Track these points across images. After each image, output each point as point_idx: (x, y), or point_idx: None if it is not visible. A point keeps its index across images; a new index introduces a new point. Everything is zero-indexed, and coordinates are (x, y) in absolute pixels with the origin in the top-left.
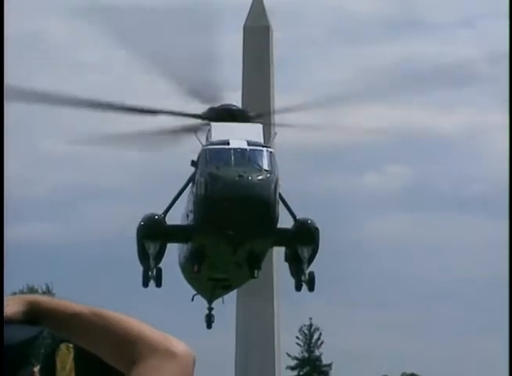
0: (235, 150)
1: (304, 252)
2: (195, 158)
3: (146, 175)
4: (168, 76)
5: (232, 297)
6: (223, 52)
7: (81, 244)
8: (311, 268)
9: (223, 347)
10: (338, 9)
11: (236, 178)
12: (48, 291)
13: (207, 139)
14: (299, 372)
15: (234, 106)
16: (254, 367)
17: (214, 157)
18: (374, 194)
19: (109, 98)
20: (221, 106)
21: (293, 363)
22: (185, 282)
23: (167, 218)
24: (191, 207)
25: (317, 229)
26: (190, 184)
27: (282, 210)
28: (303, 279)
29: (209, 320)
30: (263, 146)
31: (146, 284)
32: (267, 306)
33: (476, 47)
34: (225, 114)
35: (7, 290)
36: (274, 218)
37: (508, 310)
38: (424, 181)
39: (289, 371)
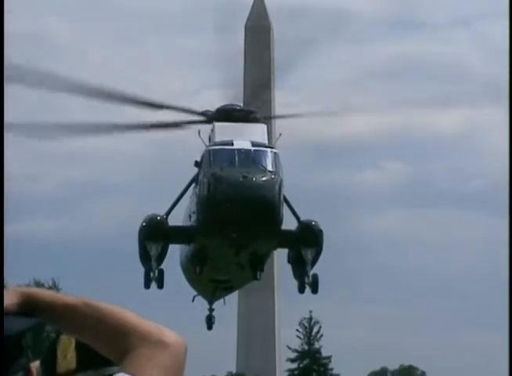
0: (239, 150)
1: (308, 254)
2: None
3: (151, 171)
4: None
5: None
6: (225, 50)
7: (86, 240)
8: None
9: (225, 340)
10: (339, 8)
11: (240, 179)
12: (54, 286)
13: (210, 139)
14: (299, 364)
15: (237, 105)
16: (256, 359)
17: (217, 158)
18: (372, 190)
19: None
20: (225, 105)
21: (293, 355)
22: (185, 282)
23: (169, 219)
24: (194, 208)
25: (321, 231)
26: (193, 185)
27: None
28: (306, 281)
29: (209, 321)
30: (267, 147)
31: (147, 286)
32: (268, 300)
33: (475, 46)
34: (229, 114)
35: (12, 285)
36: (278, 220)
37: (508, 304)
38: (425, 177)
39: (289, 363)
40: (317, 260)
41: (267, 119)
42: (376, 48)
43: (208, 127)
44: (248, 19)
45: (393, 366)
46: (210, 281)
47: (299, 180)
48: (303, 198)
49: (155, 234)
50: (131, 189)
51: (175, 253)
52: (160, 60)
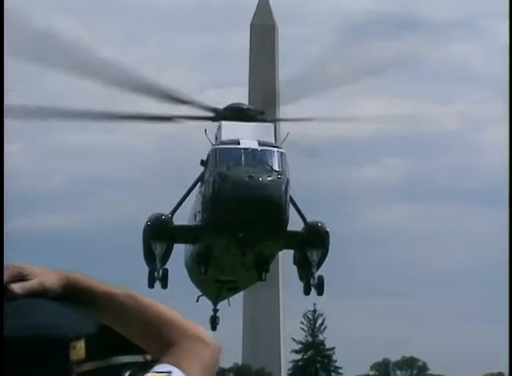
0: (245, 149)
1: (314, 256)
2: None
3: (159, 166)
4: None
5: None
6: (230, 49)
7: (91, 238)
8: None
9: (231, 332)
10: (341, 7)
11: (246, 179)
12: None
13: (216, 138)
14: (303, 355)
15: (244, 105)
16: (261, 351)
17: (224, 157)
18: (374, 186)
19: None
20: (231, 104)
21: (297, 346)
22: (190, 282)
23: (174, 219)
24: (199, 208)
25: (327, 232)
26: (199, 184)
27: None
28: (312, 282)
29: (214, 322)
30: (274, 147)
31: (151, 285)
32: (273, 293)
33: (475, 44)
34: (235, 113)
35: None
36: (284, 220)
37: (508, 297)
38: (428, 173)
39: (294, 354)
40: (323, 262)
41: (273, 117)
42: (378, 46)
43: (213, 125)
44: (253, 18)
45: (395, 357)
46: (215, 281)
47: (300, 177)
48: (305, 195)
49: (159, 233)
50: (136, 185)
51: (180, 253)
52: (164, 57)
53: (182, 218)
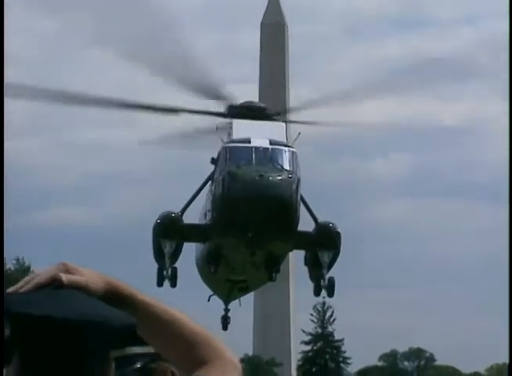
0: (256, 148)
1: (325, 257)
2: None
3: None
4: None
5: None
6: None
7: (101, 235)
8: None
9: (242, 324)
10: (350, 5)
11: (257, 178)
12: None
13: (228, 136)
14: (313, 347)
15: (256, 103)
16: (272, 342)
17: (234, 155)
18: (381, 180)
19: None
20: (243, 103)
21: (307, 338)
22: (201, 282)
23: (184, 217)
24: (209, 206)
25: (338, 233)
26: (209, 182)
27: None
28: (322, 284)
29: (225, 322)
30: (285, 146)
31: (160, 284)
32: (283, 285)
33: (477, 42)
34: (247, 111)
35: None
36: (294, 220)
37: (508, 289)
38: (433, 168)
39: (303, 346)
40: (334, 263)
41: (284, 116)
42: (385, 44)
43: (223, 122)
44: (264, 17)
45: (402, 348)
46: (225, 281)
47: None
48: (312, 189)
49: (169, 231)
50: (149, 182)
51: (192, 251)
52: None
53: (193, 216)
